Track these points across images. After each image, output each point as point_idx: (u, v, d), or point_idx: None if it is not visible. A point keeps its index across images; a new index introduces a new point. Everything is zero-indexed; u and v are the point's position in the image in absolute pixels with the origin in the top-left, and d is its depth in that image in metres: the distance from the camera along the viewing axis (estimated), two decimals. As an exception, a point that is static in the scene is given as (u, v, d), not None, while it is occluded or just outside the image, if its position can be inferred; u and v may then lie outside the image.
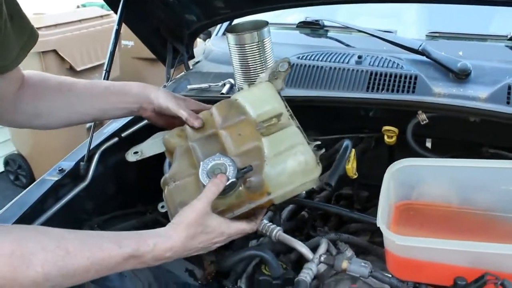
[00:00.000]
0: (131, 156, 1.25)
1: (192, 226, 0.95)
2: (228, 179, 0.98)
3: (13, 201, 1.29)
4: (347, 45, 1.85)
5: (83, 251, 0.84)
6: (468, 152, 1.49)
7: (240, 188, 1.01)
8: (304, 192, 1.55)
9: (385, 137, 1.50)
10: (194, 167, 1.07)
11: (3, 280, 0.77)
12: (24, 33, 1.03)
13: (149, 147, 1.25)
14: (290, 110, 1.14)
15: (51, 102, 1.16)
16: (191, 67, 1.90)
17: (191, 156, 1.10)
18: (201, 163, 1.01)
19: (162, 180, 1.10)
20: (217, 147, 1.08)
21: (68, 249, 0.82)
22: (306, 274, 1.07)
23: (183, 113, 1.18)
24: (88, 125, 3.64)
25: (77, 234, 0.88)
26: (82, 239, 0.87)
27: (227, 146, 1.07)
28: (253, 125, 1.08)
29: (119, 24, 1.55)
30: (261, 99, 1.12)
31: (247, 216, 1.05)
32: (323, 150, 1.08)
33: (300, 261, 1.27)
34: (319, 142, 1.08)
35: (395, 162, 1.23)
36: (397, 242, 1.03)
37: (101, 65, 3.66)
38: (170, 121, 1.24)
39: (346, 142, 1.28)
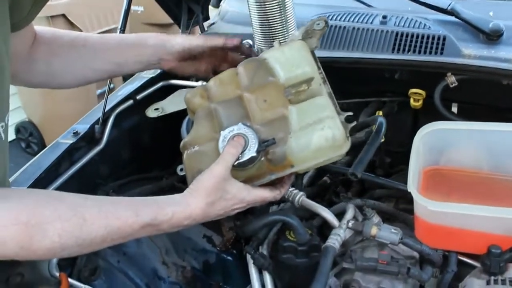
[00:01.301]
0: (151, 112, 1.21)
1: (211, 192, 0.91)
2: (246, 148, 0.94)
3: (28, 164, 1.26)
4: (369, 5, 1.77)
5: (100, 219, 0.82)
6: (496, 118, 1.43)
7: (262, 159, 0.96)
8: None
9: (412, 100, 1.44)
10: (215, 131, 1.01)
11: (19, 249, 0.75)
12: None
13: (171, 104, 1.21)
14: (323, 73, 1.07)
15: (64, 59, 1.11)
16: (206, 29, 1.83)
17: (213, 119, 1.03)
18: (221, 132, 0.96)
19: (181, 144, 1.04)
20: (240, 112, 1.01)
21: (85, 218, 0.80)
22: (335, 240, 1.02)
23: (218, 40, 1.10)
24: (99, 91, 3.60)
25: (94, 201, 0.85)
26: (99, 206, 0.84)
27: (251, 113, 1.00)
28: (281, 90, 1.00)
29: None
30: (292, 61, 1.03)
31: (272, 184, 1.00)
32: (354, 123, 1.00)
33: (322, 228, 1.23)
34: (350, 113, 0.99)
35: (425, 126, 1.17)
36: (430, 207, 0.98)
37: (111, 30, 3.59)
38: (198, 67, 1.17)
39: (380, 120, 1.12)
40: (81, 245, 0.80)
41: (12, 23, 0.93)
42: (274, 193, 1.00)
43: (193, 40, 1.12)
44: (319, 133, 0.95)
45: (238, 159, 0.93)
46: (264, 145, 0.94)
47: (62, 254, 0.81)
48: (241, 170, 0.96)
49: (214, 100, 1.05)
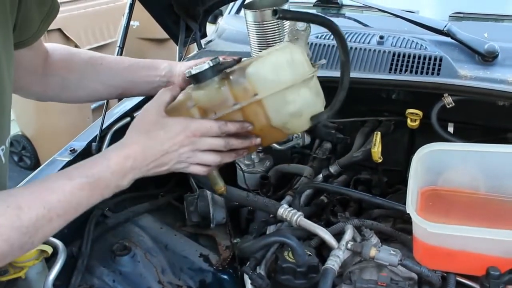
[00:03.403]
0: None
1: (145, 124, 0.87)
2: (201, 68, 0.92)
3: (24, 180, 1.25)
4: (366, 25, 1.79)
5: (35, 200, 0.76)
6: (492, 138, 1.45)
7: (223, 87, 0.94)
8: (322, 176, 1.52)
9: (408, 120, 1.45)
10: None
11: None
12: (45, 4, 0.99)
13: None
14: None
15: (81, 74, 1.14)
16: (203, 46, 1.84)
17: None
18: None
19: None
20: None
21: (20, 205, 0.74)
22: (334, 262, 1.02)
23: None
24: (93, 105, 3.59)
25: (24, 187, 0.81)
26: (30, 188, 0.79)
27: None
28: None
29: (133, -1, 1.49)
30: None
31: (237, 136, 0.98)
32: (324, 61, 1.07)
33: (320, 248, 1.23)
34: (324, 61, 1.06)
35: (423, 147, 1.18)
36: (429, 229, 0.98)
37: (107, 44, 3.60)
38: None
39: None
40: (27, 233, 0.74)
41: (22, 40, 0.96)
42: (219, 123, 0.94)
43: (165, 90, 1.12)
44: (277, 53, 0.96)
45: (190, 70, 0.93)
46: (222, 66, 0.93)
47: (15, 252, 0.75)
48: (201, 89, 0.94)
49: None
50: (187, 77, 0.96)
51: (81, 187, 0.79)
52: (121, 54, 1.44)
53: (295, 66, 0.95)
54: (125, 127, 1.49)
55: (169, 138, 0.88)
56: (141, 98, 1.56)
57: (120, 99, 1.67)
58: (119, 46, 1.42)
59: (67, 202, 0.78)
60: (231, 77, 0.95)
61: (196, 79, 0.95)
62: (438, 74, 1.41)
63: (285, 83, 0.94)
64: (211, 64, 0.93)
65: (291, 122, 0.99)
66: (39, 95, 1.16)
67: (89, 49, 3.47)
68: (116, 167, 0.83)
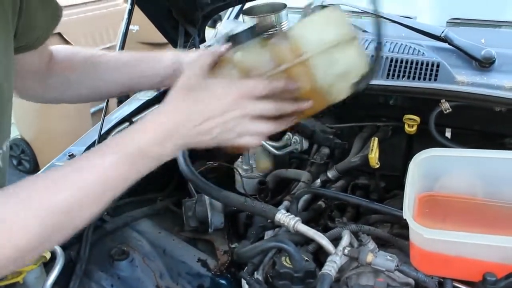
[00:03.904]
0: None
1: (184, 88, 0.78)
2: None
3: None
4: (364, 31, 1.79)
5: (66, 183, 0.71)
6: (489, 143, 1.45)
7: (266, 48, 0.86)
8: (320, 181, 1.52)
9: (406, 126, 1.45)
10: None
11: None
12: (48, 7, 0.98)
13: None
14: None
15: (82, 73, 1.10)
16: (202, 51, 1.85)
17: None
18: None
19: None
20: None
21: (49, 187, 0.70)
22: (331, 268, 1.02)
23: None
24: (93, 109, 3.60)
25: (54, 168, 0.75)
26: (61, 170, 0.73)
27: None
28: None
29: (132, 4, 1.50)
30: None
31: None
32: None
33: (317, 253, 1.23)
34: None
35: (420, 152, 1.18)
36: (426, 235, 0.98)
37: (106, 48, 3.61)
38: None
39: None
40: (67, 214, 0.69)
41: (26, 44, 0.95)
42: (264, 81, 0.83)
43: (202, 53, 1.04)
44: (319, 14, 0.89)
45: (231, 31, 0.86)
46: (263, 28, 0.86)
47: (55, 236, 0.69)
48: (242, 53, 0.85)
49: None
50: (227, 39, 0.88)
51: (116, 165, 0.72)
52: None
53: (339, 25, 0.89)
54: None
55: (213, 100, 0.78)
56: (139, 103, 1.57)
57: (125, 98, 1.68)
58: (119, 49, 1.43)
59: (103, 182, 0.72)
60: (273, 39, 0.87)
61: (237, 40, 0.86)
62: (435, 79, 1.42)
63: (331, 41, 0.87)
64: (250, 26, 0.87)
65: (336, 84, 0.92)
66: (40, 97, 1.14)
67: (88, 53, 3.50)
68: (154, 134, 0.74)
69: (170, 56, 1.11)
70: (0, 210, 0.66)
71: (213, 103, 0.78)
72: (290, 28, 0.89)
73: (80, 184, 0.70)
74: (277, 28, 0.90)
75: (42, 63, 1.07)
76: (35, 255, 0.72)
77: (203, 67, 0.82)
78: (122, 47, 1.45)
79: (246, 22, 1.39)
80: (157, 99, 1.62)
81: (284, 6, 1.41)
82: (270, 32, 0.91)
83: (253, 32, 0.88)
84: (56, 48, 1.11)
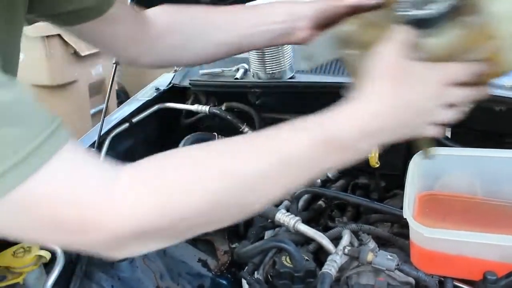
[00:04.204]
0: (303, 64, 1.06)
1: (389, 69, 0.66)
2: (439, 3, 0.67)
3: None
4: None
5: (257, 147, 0.61)
6: (489, 143, 1.45)
7: (460, 32, 0.70)
8: (320, 181, 1.52)
9: (405, 125, 1.45)
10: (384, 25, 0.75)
11: (160, 213, 0.55)
12: None
13: (320, 48, 0.99)
14: None
15: (185, 36, 1.01)
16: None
17: (378, 26, 0.79)
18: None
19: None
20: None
21: (234, 150, 0.61)
22: (331, 267, 1.02)
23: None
24: (93, 110, 3.60)
25: (234, 138, 0.65)
26: (248, 137, 0.67)
27: None
28: None
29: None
30: None
31: None
32: None
33: (317, 253, 1.23)
34: None
35: (422, 151, 1.18)
36: (426, 234, 0.98)
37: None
38: None
39: None
40: (242, 187, 0.59)
41: (87, 7, 0.88)
42: (464, 65, 0.69)
43: (323, 3, 0.96)
44: None
45: (417, 14, 0.68)
46: (458, 3, 0.68)
47: (223, 208, 0.59)
48: (433, 40, 0.70)
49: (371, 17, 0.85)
50: (409, 22, 0.70)
51: (315, 143, 0.62)
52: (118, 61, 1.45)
53: None
54: (123, 133, 1.50)
55: (423, 88, 0.67)
56: (139, 103, 1.57)
57: (126, 98, 1.67)
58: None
59: (296, 158, 0.61)
60: (464, 18, 0.70)
61: (425, 24, 0.70)
62: (435, 79, 1.41)
63: None
64: (446, 4, 0.69)
65: None
66: (149, 64, 1.07)
67: (88, 55, 3.49)
68: (360, 126, 0.64)
69: (281, 8, 0.99)
70: (180, 171, 0.58)
71: (424, 92, 0.68)
72: (487, 3, 0.70)
73: (273, 155, 0.61)
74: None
75: (127, 28, 0.98)
76: (204, 227, 0.64)
77: (403, 45, 0.68)
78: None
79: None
80: (158, 99, 1.62)
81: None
82: (465, 11, 0.71)
83: (447, 13, 0.70)
84: (154, 11, 1.03)
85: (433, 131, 0.73)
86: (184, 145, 1.39)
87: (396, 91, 0.65)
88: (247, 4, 1.07)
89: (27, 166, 0.51)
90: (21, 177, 0.50)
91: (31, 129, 0.52)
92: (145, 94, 1.66)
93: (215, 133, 1.56)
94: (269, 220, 1.28)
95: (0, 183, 0.50)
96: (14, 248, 1.08)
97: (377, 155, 1.24)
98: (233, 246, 1.41)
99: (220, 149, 0.62)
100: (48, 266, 1.11)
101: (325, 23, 0.96)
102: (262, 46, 1.22)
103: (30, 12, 0.80)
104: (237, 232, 1.53)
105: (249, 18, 1.01)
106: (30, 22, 0.90)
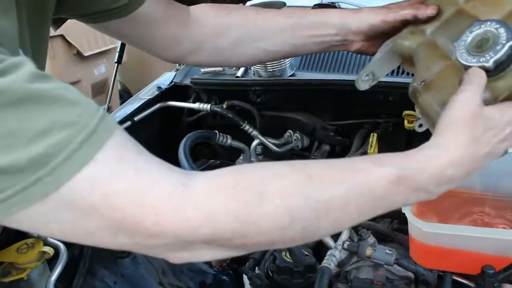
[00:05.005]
0: (362, 84, 1.02)
1: (468, 123, 0.67)
2: (495, 44, 0.67)
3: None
4: None
5: (331, 175, 0.61)
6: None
7: None
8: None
9: (406, 122, 1.46)
10: (446, 58, 0.79)
11: (234, 221, 0.55)
12: None
13: (380, 64, 0.99)
14: None
15: (233, 39, 1.01)
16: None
17: (437, 48, 0.82)
18: (456, 42, 0.74)
19: (410, 91, 0.84)
20: (467, 23, 0.77)
21: (310, 174, 0.60)
22: (330, 261, 1.03)
23: (406, 13, 0.91)
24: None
25: (310, 161, 0.66)
26: (322, 163, 0.65)
27: (482, 14, 0.77)
28: None
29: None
30: None
31: None
32: None
33: (317, 248, 1.24)
34: None
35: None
36: (424, 229, 0.99)
37: (108, 50, 3.63)
38: (379, 46, 0.99)
39: None
40: (314, 209, 0.58)
41: (113, 8, 0.88)
42: None
43: (377, 15, 0.96)
44: None
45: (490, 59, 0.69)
46: None
47: (292, 229, 0.58)
48: (495, 81, 0.70)
49: (428, 31, 0.87)
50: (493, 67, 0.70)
51: (391, 181, 0.62)
52: (120, 60, 1.46)
53: None
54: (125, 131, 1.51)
55: (494, 136, 0.69)
56: (141, 102, 1.59)
57: (127, 97, 1.68)
58: (118, 52, 1.44)
59: (370, 189, 0.62)
60: None
61: (496, 68, 0.70)
62: (434, 76, 1.42)
63: None
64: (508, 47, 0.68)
65: None
66: (196, 62, 1.09)
67: (91, 55, 3.51)
68: (434, 170, 0.65)
69: (335, 20, 0.98)
70: (259, 181, 0.59)
71: (495, 139, 0.70)
72: None
73: (346, 181, 0.61)
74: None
75: (163, 26, 0.97)
76: (270, 245, 0.64)
77: (480, 92, 0.69)
78: (122, 48, 1.46)
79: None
80: (159, 98, 1.64)
81: (283, 4, 1.42)
82: None
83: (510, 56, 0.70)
84: (202, 10, 1.02)
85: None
86: (185, 142, 1.40)
87: (472, 143, 0.67)
88: (305, 10, 1.04)
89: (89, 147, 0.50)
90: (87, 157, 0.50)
91: (89, 107, 0.52)
92: (147, 92, 1.67)
93: (217, 131, 1.57)
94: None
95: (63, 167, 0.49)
96: (18, 244, 1.10)
97: (376, 151, 1.25)
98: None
99: (302, 168, 0.62)
100: (51, 262, 1.12)
101: (379, 35, 0.97)
102: (312, 53, 1.21)
103: (57, 12, 0.82)
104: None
105: (302, 27, 1.00)
106: (57, 23, 0.94)
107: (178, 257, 0.58)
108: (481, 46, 0.70)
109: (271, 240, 0.59)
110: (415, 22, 0.90)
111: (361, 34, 0.97)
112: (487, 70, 0.70)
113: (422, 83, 0.79)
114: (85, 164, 0.50)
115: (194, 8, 1.01)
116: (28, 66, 0.50)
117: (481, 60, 0.70)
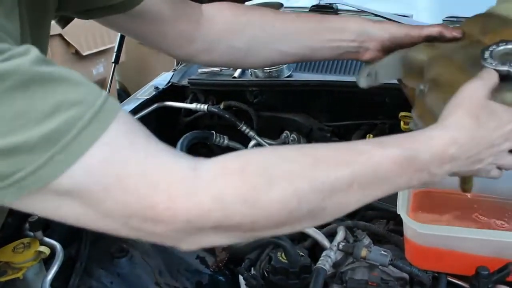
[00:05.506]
0: (363, 80, 1.00)
1: (473, 109, 0.69)
2: None
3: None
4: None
5: (336, 156, 0.62)
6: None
7: None
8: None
9: (402, 123, 1.47)
10: (459, 68, 0.82)
11: (242, 205, 0.55)
12: None
13: (385, 68, 0.99)
14: None
15: (248, 40, 0.99)
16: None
17: (452, 61, 0.85)
18: (483, 49, 0.77)
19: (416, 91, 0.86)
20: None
21: (316, 156, 0.61)
22: (325, 262, 1.04)
23: (433, 29, 0.93)
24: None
25: (316, 144, 0.71)
26: (327, 145, 0.66)
27: None
28: None
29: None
30: None
31: None
32: None
33: (313, 249, 1.25)
34: None
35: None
36: (419, 230, 1.00)
37: (107, 50, 3.63)
38: None
39: None
40: (320, 191, 0.59)
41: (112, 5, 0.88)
42: None
43: (401, 29, 0.98)
44: None
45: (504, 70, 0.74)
46: None
47: (300, 211, 0.58)
48: (505, 93, 0.74)
49: (444, 49, 0.90)
50: (497, 71, 0.75)
51: (393, 159, 0.63)
52: (117, 60, 1.46)
53: None
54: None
55: (497, 128, 0.71)
56: (138, 102, 1.59)
57: (126, 97, 1.67)
58: (116, 52, 1.45)
59: (373, 170, 0.62)
60: None
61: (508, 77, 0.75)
62: (430, 77, 1.43)
63: None
64: None
65: None
66: (208, 62, 1.08)
67: (89, 54, 3.51)
68: (437, 149, 0.66)
69: (354, 26, 0.98)
70: (267, 165, 0.59)
71: (497, 132, 0.71)
72: None
73: (351, 163, 0.62)
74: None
75: (190, 25, 0.97)
76: (277, 229, 0.63)
77: (490, 86, 0.73)
78: (120, 48, 1.46)
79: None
80: (157, 98, 1.64)
81: (280, 5, 1.42)
82: None
83: None
84: (218, 8, 1.00)
85: (494, 173, 0.78)
86: (182, 143, 1.40)
87: (475, 126, 0.69)
88: (323, 16, 1.06)
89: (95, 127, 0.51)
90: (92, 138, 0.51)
91: (93, 88, 0.53)
92: (144, 93, 1.67)
93: (214, 132, 1.58)
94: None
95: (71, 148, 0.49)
96: (14, 243, 1.10)
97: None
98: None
99: (308, 152, 0.64)
100: (48, 262, 1.12)
101: (396, 48, 0.97)
102: (323, 60, 1.21)
103: (58, 10, 0.83)
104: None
105: (320, 32, 0.99)
106: (61, 21, 0.95)
107: (189, 242, 0.58)
108: (506, 56, 0.75)
109: (280, 223, 0.59)
110: (438, 40, 0.93)
111: (379, 43, 0.97)
112: (504, 76, 0.74)
113: (429, 85, 0.81)
114: (95, 141, 0.51)
115: (209, 6, 1.00)
116: (33, 51, 0.51)
117: (504, 65, 0.75)
